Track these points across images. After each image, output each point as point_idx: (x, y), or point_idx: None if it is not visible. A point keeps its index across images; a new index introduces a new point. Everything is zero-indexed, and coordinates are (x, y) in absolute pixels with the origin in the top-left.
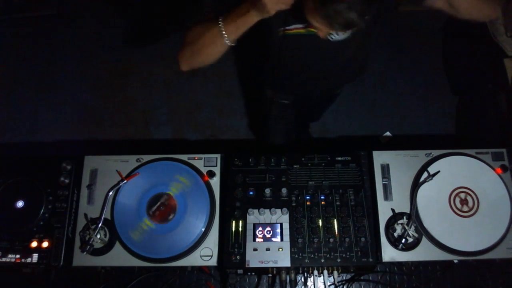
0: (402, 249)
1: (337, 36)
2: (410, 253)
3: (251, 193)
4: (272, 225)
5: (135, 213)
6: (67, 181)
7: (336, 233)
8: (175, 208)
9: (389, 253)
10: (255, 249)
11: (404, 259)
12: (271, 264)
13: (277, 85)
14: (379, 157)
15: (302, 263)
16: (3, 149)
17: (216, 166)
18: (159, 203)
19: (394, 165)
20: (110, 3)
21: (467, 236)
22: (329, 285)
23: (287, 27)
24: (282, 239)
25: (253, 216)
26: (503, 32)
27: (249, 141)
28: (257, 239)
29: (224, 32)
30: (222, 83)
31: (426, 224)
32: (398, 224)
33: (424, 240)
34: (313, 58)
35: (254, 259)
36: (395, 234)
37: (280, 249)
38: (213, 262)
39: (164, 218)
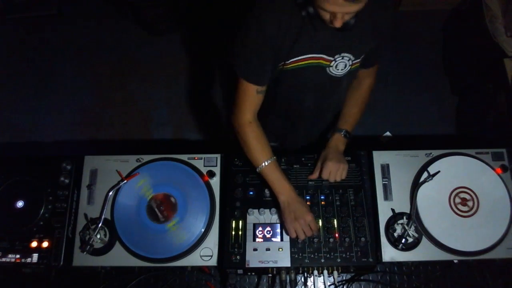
0: (402, 249)
1: (338, 71)
2: (410, 253)
3: (251, 193)
4: (272, 225)
5: (135, 213)
6: (67, 181)
7: (336, 233)
8: (175, 208)
9: (389, 253)
10: (255, 249)
11: (404, 259)
12: (271, 264)
13: (266, 126)
14: (379, 157)
15: (302, 263)
16: (3, 149)
17: (216, 166)
18: (159, 203)
19: (394, 165)
20: (110, 3)
21: (467, 236)
22: (329, 285)
23: (287, 61)
24: (282, 239)
25: (253, 216)
26: (503, 32)
27: None
28: (257, 239)
29: (257, 170)
30: (223, 84)
31: (426, 224)
32: (398, 224)
33: (424, 240)
34: (308, 92)
35: (254, 259)
36: (395, 234)
37: (280, 249)
38: (213, 262)
39: (165, 218)
